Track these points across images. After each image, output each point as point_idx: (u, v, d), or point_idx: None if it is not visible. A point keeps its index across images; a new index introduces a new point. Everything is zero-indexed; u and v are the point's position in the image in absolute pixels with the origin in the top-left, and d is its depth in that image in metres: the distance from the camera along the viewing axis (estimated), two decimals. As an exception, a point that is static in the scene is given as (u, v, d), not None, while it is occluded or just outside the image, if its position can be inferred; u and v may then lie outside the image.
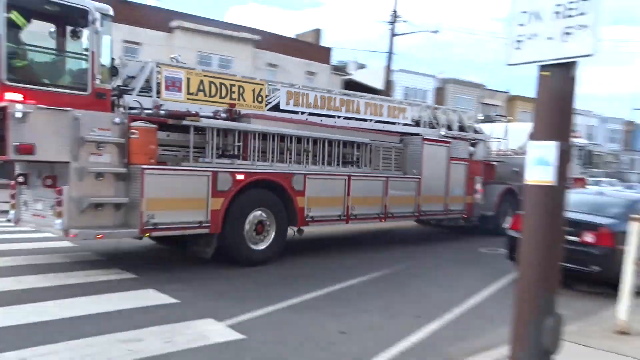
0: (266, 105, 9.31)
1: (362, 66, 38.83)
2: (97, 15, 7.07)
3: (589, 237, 7.99)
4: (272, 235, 8.73)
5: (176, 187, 7.38)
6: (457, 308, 6.97)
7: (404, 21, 29.23)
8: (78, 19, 7.11)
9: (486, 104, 40.97)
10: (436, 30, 26.91)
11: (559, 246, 3.82)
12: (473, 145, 13.05)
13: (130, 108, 7.67)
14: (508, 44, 3.95)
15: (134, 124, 7.14)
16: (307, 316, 6.13)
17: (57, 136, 6.62)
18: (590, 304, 7.48)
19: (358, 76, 31.82)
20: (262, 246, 8.65)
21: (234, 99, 8.75)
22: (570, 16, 3.61)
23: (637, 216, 6.22)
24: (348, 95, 10.93)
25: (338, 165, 9.95)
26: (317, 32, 31.82)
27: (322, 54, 29.64)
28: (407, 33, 26.89)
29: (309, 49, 29.40)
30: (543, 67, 3.76)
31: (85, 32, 7.19)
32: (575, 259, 7.97)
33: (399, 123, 11.62)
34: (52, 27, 7.31)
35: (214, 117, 8.24)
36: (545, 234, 3.75)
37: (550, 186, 3.72)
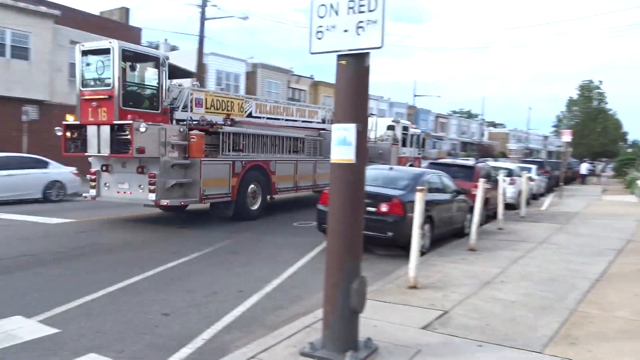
0: (245, 113, 13.83)
1: (173, 48, 37.37)
2: (164, 58, 11.05)
3: (384, 207, 9.09)
4: (260, 200, 13.06)
5: (215, 172, 11.50)
6: (277, 279, 7.40)
7: (213, 5, 28.92)
8: (153, 63, 11.11)
9: (293, 88, 42.81)
10: (246, 16, 27.20)
11: (361, 217, 4.34)
12: None
13: (178, 120, 11.59)
14: (310, 34, 4.29)
15: (191, 132, 11.10)
16: (128, 302, 6.01)
17: (154, 141, 10.34)
18: (388, 265, 8.57)
19: (170, 58, 30.71)
20: (255, 207, 12.92)
21: (229, 111, 13.16)
22: (361, 12, 4.07)
23: (421, 187, 7.30)
24: (288, 104, 15.78)
25: (290, 153, 14.49)
26: (124, 10, 29.83)
27: (131, 34, 27.84)
28: (217, 17, 26.73)
29: (117, 27, 27.44)
30: (340, 57, 4.18)
31: (155, 71, 11.06)
32: (373, 227, 9.00)
33: (316, 122, 16.50)
34: (137, 68, 10.86)
35: (224, 124, 12.39)
36: (348, 206, 4.23)
37: (351, 164, 4.19)
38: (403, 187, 9.78)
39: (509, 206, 17.26)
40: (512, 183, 18.05)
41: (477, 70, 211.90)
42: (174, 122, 11.47)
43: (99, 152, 10.36)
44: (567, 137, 24.47)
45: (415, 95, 57.59)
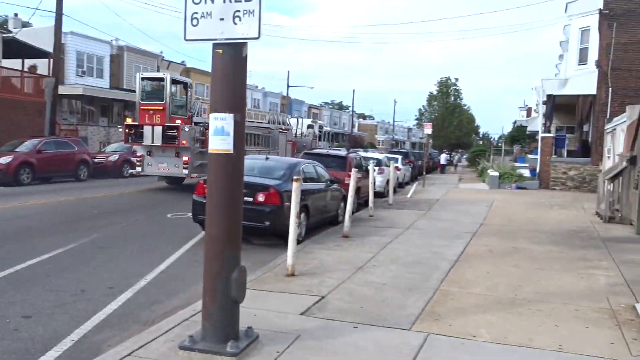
0: None
1: (25, 24, 33.59)
2: (190, 83, 17.58)
3: (261, 197, 9.15)
4: None
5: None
6: (151, 274, 7.13)
7: (74, -21, 26.56)
8: (185, 85, 17.58)
9: (163, 74, 40.94)
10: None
11: (240, 207, 4.35)
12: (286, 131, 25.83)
13: (196, 123, 17.40)
14: (185, 20, 4.18)
15: (207, 130, 15.59)
16: (-25, 314, 5.37)
17: (189, 137, 16.09)
18: (266, 254, 8.65)
19: (22, 35, 27.70)
20: None
21: None
22: (238, 1, 4.06)
23: (297, 177, 7.47)
24: (250, 110, 28.68)
25: (256, 145, 21.10)
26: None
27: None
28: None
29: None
30: (217, 45, 4.13)
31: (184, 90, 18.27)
32: (251, 217, 8.98)
33: (264, 123, 23.85)
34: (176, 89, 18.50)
35: None
36: (227, 196, 4.22)
37: (229, 154, 4.18)
38: (279, 177, 9.92)
39: (378, 194, 18.25)
40: (380, 172, 19.13)
41: (348, 64, 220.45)
42: (193, 124, 17.49)
43: (152, 142, 16.53)
44: (428, 129, 26.47)
45: (289, 86, 58.14)
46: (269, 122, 25.59)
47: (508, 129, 70.29)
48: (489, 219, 13.31)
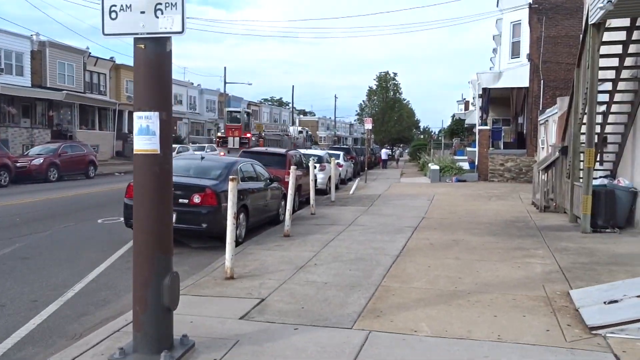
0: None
1: None
2: (251, 112, 45.60)
3: (196, 198, 8.98)
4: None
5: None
6: (79, 284, 6.83)
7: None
8: (248, 114, 40.91)
9: (91, 71, 39.34)
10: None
11: (169, 209, 4.24)
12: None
13: (253, 134, 39.37)
14: (103, 13, 4.00)
15: (261, 139, 39.44)
16: None
17: (253, 142, 37.06)
18: (204, 257, 8.51)
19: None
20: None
21: (262, 131, 45.35)
22: (160, -7, 3.92)
23: (234, 177, 7.37)
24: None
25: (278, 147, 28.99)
26: None
27: None
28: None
29: None
30: (138, 40, 3.99)
31: (247, 116, 41.56)
32: (187, 219, 8.87)
33: (277, 131, 50.45)
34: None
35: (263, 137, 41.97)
36: (155, 199, 4.09)
37: (156, 154, 4.05)
38: (216, 177, 9.77)
39: (320, 191, 18.34)
40: (322, 169, 19.23)
41: (287, 59, 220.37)
42: (252, 136, 35.78)
43: (233, 146, 33.48)
44: (368, 124, 26.88)
45: (227, 83, 57.34)
46: (280, 131, 44.52)
47: (448, 122, 72.50)
48: (430, 213, 13.66)
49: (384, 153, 46.23)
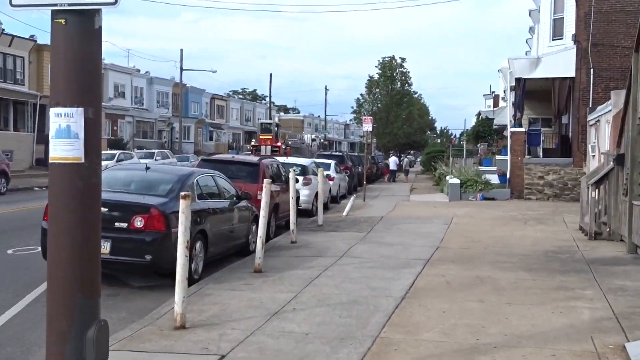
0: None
1: None
2: (278, 124, 61.90)
3: (139, 222, 8.91)
4: None
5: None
6: (-25, 342, 6.71)
7: None
8: (277, 125, 60.27)
9: (4, 53, 39.08)
10: None
11: (96, 237, 4.18)
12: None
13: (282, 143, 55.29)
14: (12, -22, 3.98)
15: (289, 147, 53.94)
16: None
17: (282, 151, 49.06)
18: (147, 300, 8.43)
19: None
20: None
21: (286, 140, 61.89)
22: (87, -49, 3.92)
23: (187, 193, 7.32)
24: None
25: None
26: None
27: None
28: None
29: None
30: (57, 13, 3.96)
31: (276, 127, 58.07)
32: (126, 249, 8.79)
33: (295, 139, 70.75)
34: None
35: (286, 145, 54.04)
36: (77, 223, 4.03)
37: (78, 164, 4.00)
38: (165, 193, 9.73)
39: (303, 213, 18.29)
40: (306, 183, 19.24)
41: (263, 40, 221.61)
42: (281, 143, 51.65)
43: (265, 153, 45.37)
44: (368, 125, 27.01)
45: (183, 69, 57.44)
46: (297, 139, 59.00)
47: (471, 123, 73.04)
48: (447, 241, 13.69)
49: (393, 162, 46.53)
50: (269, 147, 49.29)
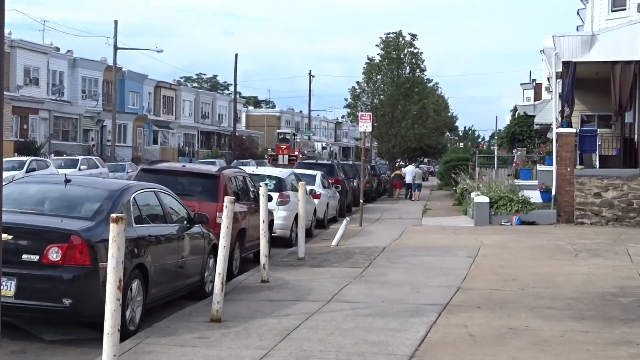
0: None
1: None
2: (295, 132, 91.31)
3: (54, 254, 8.83)
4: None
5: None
6: None
7: None
8: (294, 134, 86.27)
9: None
10: None
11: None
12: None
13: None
14: None
15: (306, 153, 77.80)
16: None
17: (300, 159, 61.78)
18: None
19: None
20: None
21: (301, 148, 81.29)
22: None
23: (120, 215, 7.28)
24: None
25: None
26: None
27: None
28: None
29: None
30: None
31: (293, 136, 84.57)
32: (37, 291, 8.70)
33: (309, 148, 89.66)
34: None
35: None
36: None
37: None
38: (91, 215, 9.68)
39: (279, 241, 18.25)
40: (283, 202, 19.21)
41: (227, 10, 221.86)
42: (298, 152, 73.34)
43: (283, 162, 62.91)
44: (366, 123, 26.99)
45: (118, 48, 57.41)
46: (309, 147, 79.37)
47: (505, 121, 73.39)
48: (471, 280, 13.72)
49: (410, 172, 46.72)
50: (286, 157, 65.13)
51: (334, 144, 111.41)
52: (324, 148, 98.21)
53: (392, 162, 58.58)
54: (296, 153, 66.11)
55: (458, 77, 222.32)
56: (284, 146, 69.23)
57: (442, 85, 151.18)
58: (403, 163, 60.61)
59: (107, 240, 7.46)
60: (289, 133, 76.27)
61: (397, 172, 49.60)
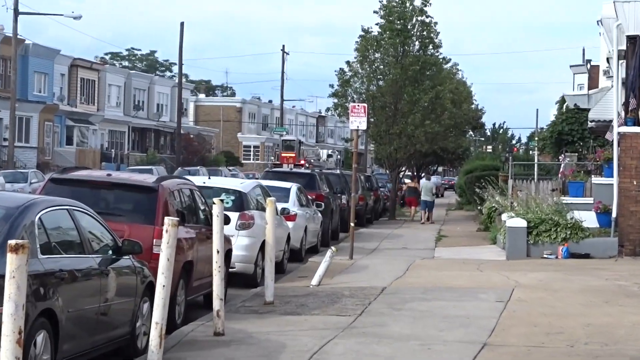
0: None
1: None
2: (302, 141, 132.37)
3: None
4: None
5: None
6: None
7: None
8: (299, 142, 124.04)
9: None
10: None
11: None
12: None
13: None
14: None
15: (312, 163, 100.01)
16: None
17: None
18: None
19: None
20: None
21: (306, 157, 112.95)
22: None
23: (21, 242, 7.25)
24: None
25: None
26: None
27: None
28: None
29: None
30: None
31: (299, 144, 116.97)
32: None
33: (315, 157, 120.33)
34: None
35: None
36: None
37: None
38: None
39: (239, 278, 18.24)
40: (245, 225, 19.17)
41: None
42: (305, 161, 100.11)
43: (288, 168, 78.65)
44: (358, 119, 26.89)
45: (19, 13, 57.35)
46: (314, 156, 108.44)
47: (549, 116, 73.63)
48: (502, 333, 13.77)
49: (432, 186, 46.97)
50: (292, 166, 72.30)
51: (314, 147, 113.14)
52: (329, 156, 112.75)
53: (394, 171, 57.83)
54: (302, 162, 76.48)
55: (485, 56, 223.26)
56: (290, 155, 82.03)
57: (464, 67, 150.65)
58: (410, 173, 60.69)
59: (2, 277, 7.44)
60: (294, 140, 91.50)
61: (412, 184, 49.71)
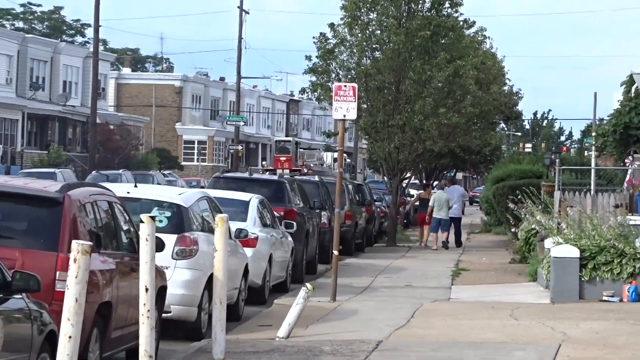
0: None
1: None
2: (297, 142, 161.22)
3: None
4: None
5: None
6: None
7: None
8: (297, 143, 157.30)
9: None
10: None
11: None
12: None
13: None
14: None
15: (312, 168, 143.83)
16: None
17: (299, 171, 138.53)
18: None
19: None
20: None
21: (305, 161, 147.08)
22: None
23: None
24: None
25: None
26: None
27: None
28: None
29: None
30: None
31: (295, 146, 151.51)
32: None
33: (316, 160, 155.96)
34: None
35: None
36: None
37: None
38: None
39: (177, 327, 18.31)
40: (186, 252, 19.21)
41: None
42: (303, 165, 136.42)
43: (284, 174, 73.17)
44: (345, 104, 27.01)
45: None
46: (316, 159, 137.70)
47: (612, 104, 73.80)
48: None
49: (458, 197, 47.26)
50: (287, 170, 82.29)
51: (290, 143, 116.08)
52: (335, 160, 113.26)
53: (395, 178, 56.94)
54: (300, 167, 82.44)
55: (524, 18, 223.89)
56: (284, 158, 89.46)
57: (494, 33, 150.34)
58: (417, 181, 60.91)
59: None
60: (290, 141, 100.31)
61: (424, 195, 49.56)
